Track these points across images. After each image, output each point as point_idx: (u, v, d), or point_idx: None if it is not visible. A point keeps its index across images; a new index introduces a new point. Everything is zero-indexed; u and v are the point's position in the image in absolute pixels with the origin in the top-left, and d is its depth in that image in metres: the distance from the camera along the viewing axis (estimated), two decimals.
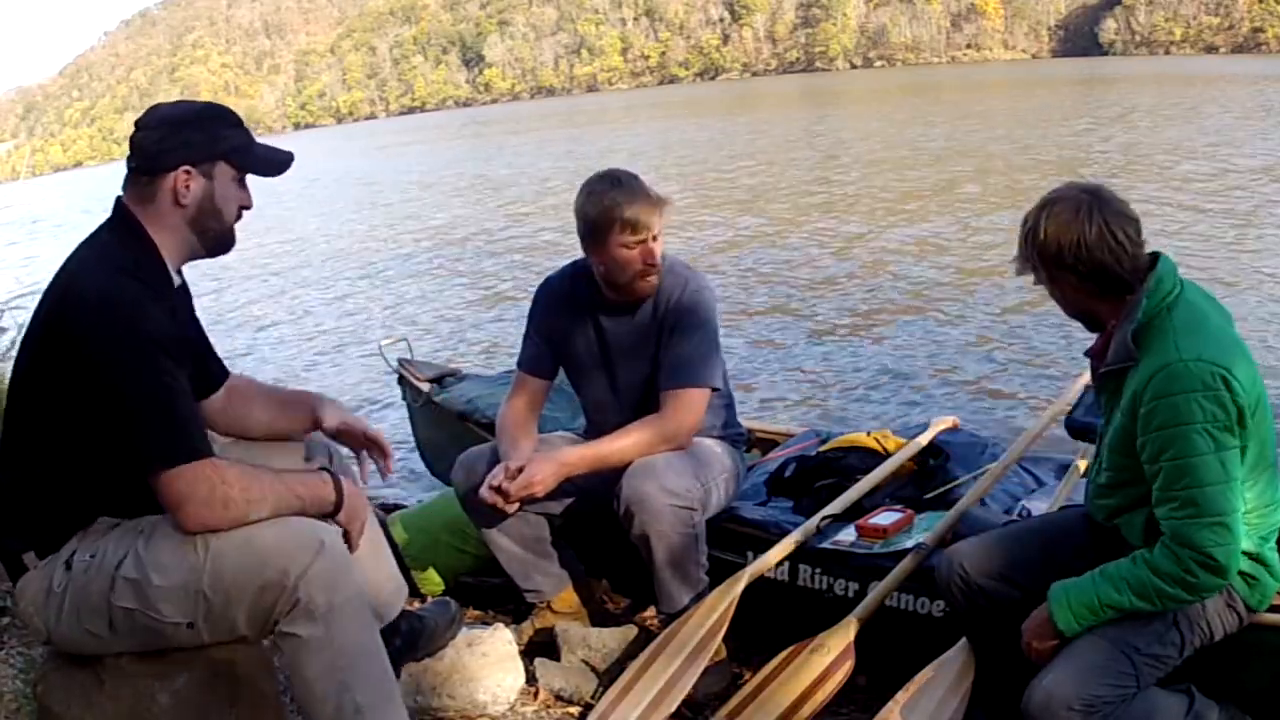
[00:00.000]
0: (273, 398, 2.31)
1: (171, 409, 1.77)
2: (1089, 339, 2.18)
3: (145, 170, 1.91)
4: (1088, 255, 1.92)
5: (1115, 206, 1.94)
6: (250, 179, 2.02)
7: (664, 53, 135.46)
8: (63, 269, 1.88)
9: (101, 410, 1.77)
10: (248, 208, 2.01)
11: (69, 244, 1.96)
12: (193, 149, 1.91)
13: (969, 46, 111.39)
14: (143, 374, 1.75)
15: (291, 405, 2.30)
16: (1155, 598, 1.88)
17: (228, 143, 1.95)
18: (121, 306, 1.77)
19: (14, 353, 4.30)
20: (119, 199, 1.94)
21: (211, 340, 2.26)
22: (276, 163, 2.03)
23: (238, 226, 2.02)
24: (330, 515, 1.97)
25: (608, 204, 2.56)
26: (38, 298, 1.91)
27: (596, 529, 2.80)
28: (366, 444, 2.29)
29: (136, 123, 1.95)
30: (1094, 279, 1.94)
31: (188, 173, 1.90)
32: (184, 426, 1.79)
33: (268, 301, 11.03)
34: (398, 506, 3.74)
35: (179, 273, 2.01)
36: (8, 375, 4.29)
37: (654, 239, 2.58)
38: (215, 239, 1.98)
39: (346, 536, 2.00)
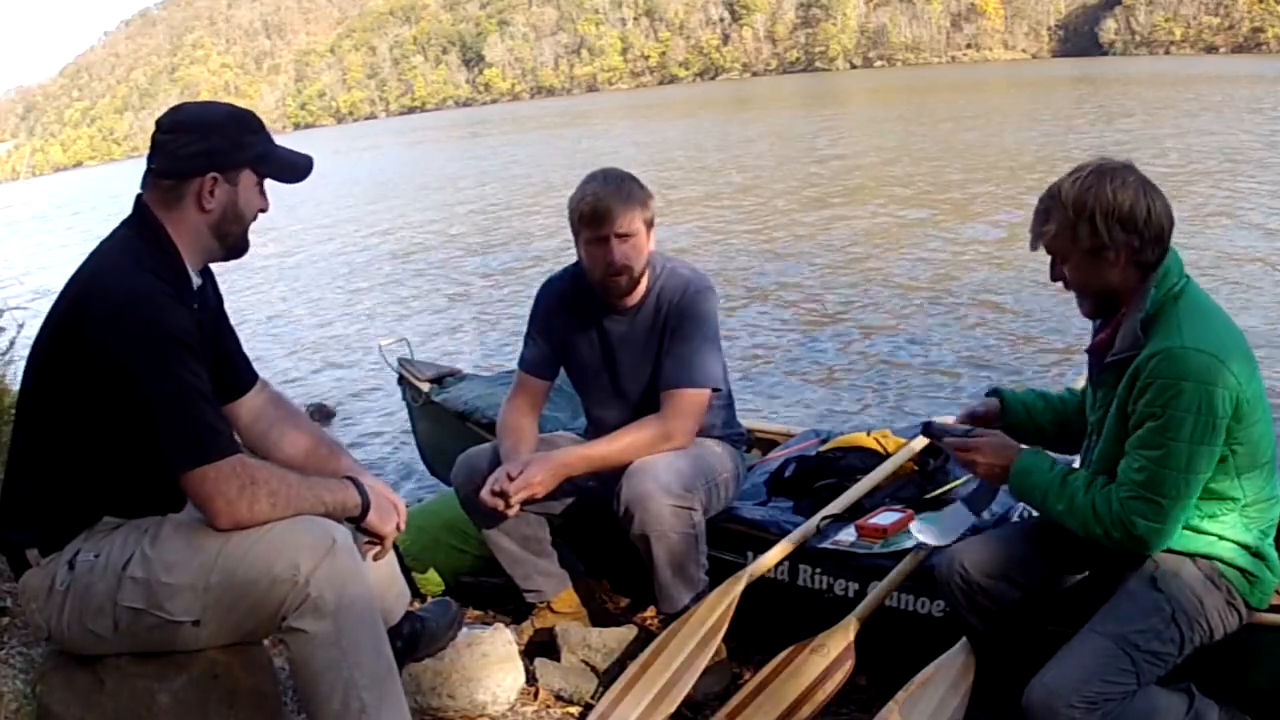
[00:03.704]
0: (306, 432, 2.23)
1: (199, 407, 1.78)
2: (1087, 338, 2.18)
3: (170, 174, 1.91)
4: (1156, 222, 1.94)
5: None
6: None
7: (664, 53, 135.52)
8: (83, 267, 1.88)
9: (123, 408, 1.77)
10: (264, 211, 2.02)
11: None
12: (220, 155, 1.91)
13: (969, 46, 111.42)
14: (169, 372, 1.76)
15: (327, 457, 2.19)
16: (1084, 528, 1.97)
17: (253, 150, 1.95)
18: (145, 304, 1.77)
19: (13, 353, 4.33)
20: (139, 198, 1.93)
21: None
22: (298, 168, 2.03)
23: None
24: (357, 520, 1.98)
25: (578, 198, 2.59)
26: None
27: (596, 529, 2.80)
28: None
29: (159, 124, 1.94)
30: (1154, 243, 1.94)
31: (214, 179, 1.91)
32: (212, 424, 1.80)
33: (266, 301, 11.05)
34: None
35: (201, 274, 2.01)
36: (8, 375, 4.31)
37: (620, 238, 2.54)
38: (233, 244, 1.99)
39: (380, 539, 2.02)
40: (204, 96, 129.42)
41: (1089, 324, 2.18)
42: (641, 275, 2.64)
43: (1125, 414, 1.95)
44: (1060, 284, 2.06)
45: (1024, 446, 2.15)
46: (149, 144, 1.96)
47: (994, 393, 2.40)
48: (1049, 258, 2.06)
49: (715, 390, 2.67)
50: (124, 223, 1.94)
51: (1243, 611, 1.99)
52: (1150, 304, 1.94)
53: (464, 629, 2.50)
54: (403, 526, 2.08)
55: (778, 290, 8.92)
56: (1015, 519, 2.61)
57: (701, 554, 2.57)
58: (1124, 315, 2.01)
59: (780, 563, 2.60)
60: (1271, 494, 1.98)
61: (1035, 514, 2.65)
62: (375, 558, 2.08)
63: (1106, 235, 1.93)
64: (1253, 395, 1.89)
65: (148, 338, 1.76)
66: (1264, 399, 1.94)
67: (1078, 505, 1.98)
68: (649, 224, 2.62)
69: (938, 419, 3.21)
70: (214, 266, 2.07)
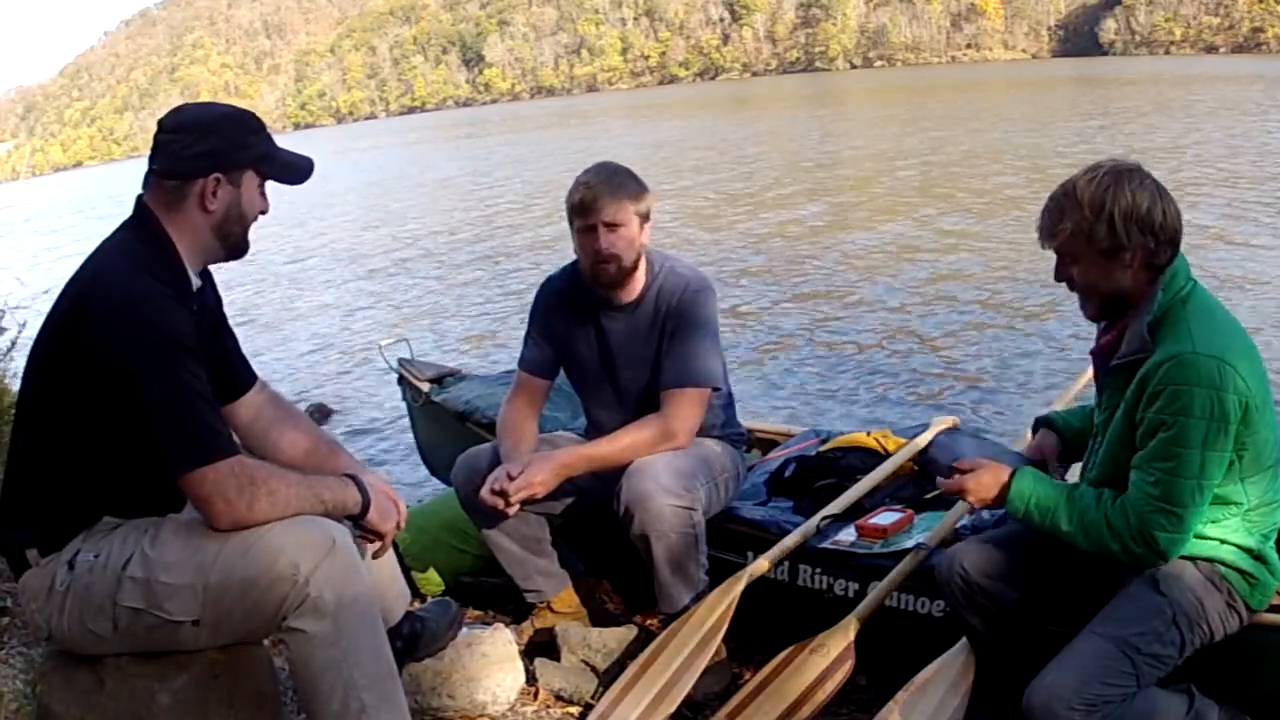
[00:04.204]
0: (306, 431, 2.23)
1: (198, 408, 1.78)
2: (1088, 339, 2.17)
3: (173, 174, 1.90)
4: (1170, 225, 1.93)
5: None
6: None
7: (664, 53, 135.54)
8: (83, 268, 1.88)
9: (123, 410, 1.77)
10: (265, 213, 2.01)
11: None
12: (223, 156, 1.91)
13: (969, 46, 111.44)
14: (168, 373, 1.76)
15: (327, 455, 2.19)
16: (1098, 545, 1.95)
17: (256, 150, 1.95)
18: (144, 306, 1.77)
19: (14, 354, 4.33)
20: (140, 199, 1.93)
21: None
22: (300, 170, 2.04)
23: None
24: (357, 518, 1.98)
25: (572, 188, 2.61)
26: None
27: (596, 529, 2.80)
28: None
29: (161, 124, 1.94)
30: (1168, 244, 1.94)
31: (217, 180, 1.91)
32: (211, 425, 1.80)
33: (266, 301, 11.05)
34: None
35: (201, 275, 2.01)
36: (8, 375, 4.31)
37: (608, 227, 2.56)
38: (234, 244, 1.99)
39: (380, 537, 2.02)
40: (204, 96, 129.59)
41: (1090, 326, 2.18)
42: (634, 268, 2.64)
43: (1133, 419, 1.94)
44: (1065, 284, 2.04)
45: (1020, 466, 2.12)
46: (150, 145, 1.96)
47: (1044, 421, 2.38)
48: (1050, 258, 2.05)
49: (715, 390, 2.67)
50: (124, 224, 1.94)
51: (1243, 613, 1.99)
52: (1158, 307, 1.93)
53: (464, 629, 2.49)
54: (403, 523, 2.08)
55: (778, 288, 8.92)
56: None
57: (701, 554, 2.57)
58: (1130, 318, 2.00)
59: (780, 563, 2.59)
60: (1274, 498, 1.98)
61: None
62: (375, 555, 2.08)
63: (1125, 237, 1.92)
64: (1260, 399, 1.89)
65: (147, 339, 1.76)
66: (1270, 403, 1.94)
67: (1090, 522, 1.96)
68: (642, 217, 2.62)
69: (937, 420, 3.23)
70: (214, 267, 2.07)
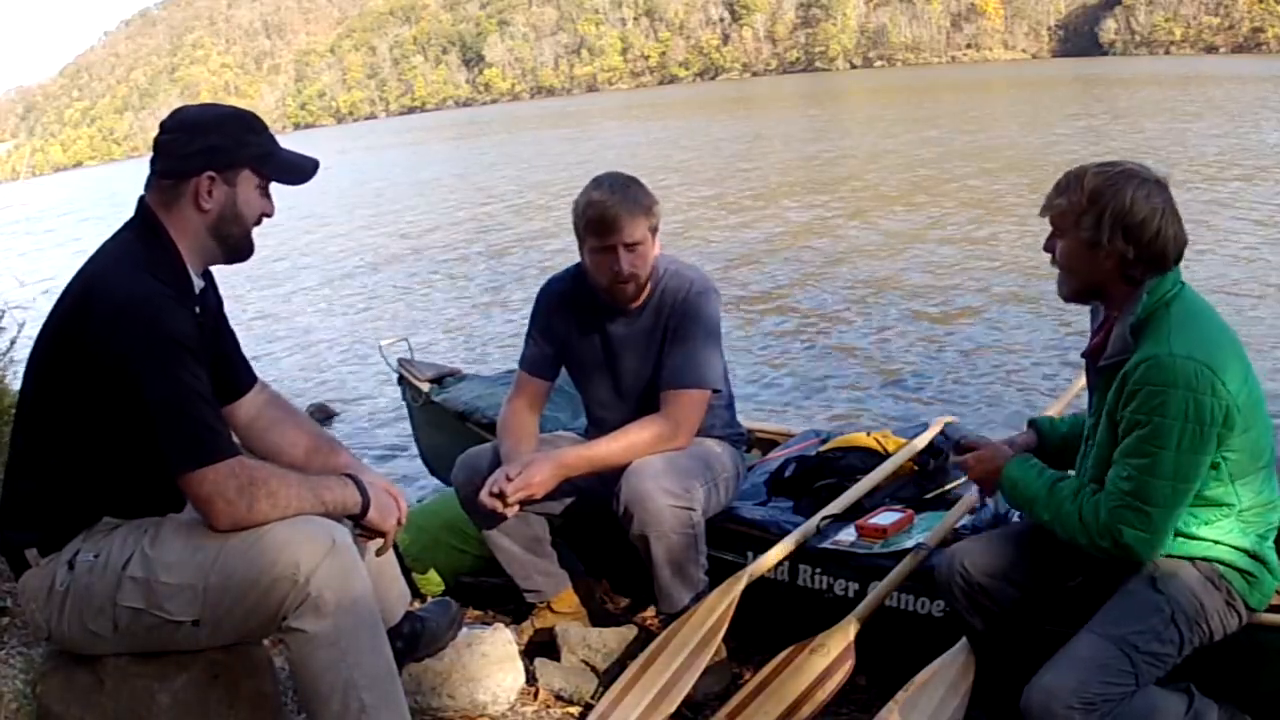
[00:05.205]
0: (306, 431, 2.23)
1: (199, 409, 1.79)
2: (1087, 340, 2.18)
3: (168, 173, 1.91)
4: (1159, 245, 1.94)
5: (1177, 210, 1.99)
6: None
7: (664, 53, 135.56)
8: (85, 268, 1.88)
9: (124, 410, 1.78)
10: (269, 215, 2.01)
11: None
12: (216, 155, 1.90)
13: (969, 46, 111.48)
14: (169, 373, 1.76)
15: (327, 454, 2.19)
16: (1070, 536, 1.99)
17: (251, 149, 1.95)
18: (146, 306, 1.78)
19: (14, 353, 4.33)
20: (142, 199, 1.94)
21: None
22: (302, 170, 2.03)
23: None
24: (358, 517, 1.98)
25: (583, 204, 2.57)
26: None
27: (596, 529, 2.80)
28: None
29: (161, 125, 1.95)
30: (1148, 262, 1.95)
31: (211, 178, 1.90)
32: (211, 426, 1.80)
33: (266, 302, 11.04)
34: None
35: (204, 276, 2.01)
36: (8, 375, 4.31)
37: (627, 247, 2.53)
38: (234, 246, 1.98)
39: (382, 535, 2.02)
40: (204, 96, 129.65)
41: (1088, 328, 2.18)
42: (647, 280, 2.64)
43: (1114, 420, 1.95)
44: (1049, 258, 2.06)
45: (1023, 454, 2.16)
46: (151, 145, 1.96)
47: (1032, 424, 2.40)
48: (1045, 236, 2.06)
49: (715, 391, 2.67)
50: (126, 224, 1.94)
51: (1242, 613, 1.99)
52: (1142, 309, 1.94)
53: (464, 629, 2.50)
54: (403, 520, 2.08)
55: (778, 288, 8.92)
56: (1015, 519, 2.61)
57: (701, 554, 2.57)
58: (1116, 319, 2.01)
59: (780, 563, 2.60)
60: (1270, 498, 1.98)
61: None
62: (378, 552, 2.08)
63: (1105, 234, 1.93)
64: (1246, 402, 1.89)
65: (148, 339, 1.76)
66: (1261, 404, 1.94)
67: (1064, 514, 1.98)
68: (654, 230, 2.61)
69: (937, 420, 3.23)
70: (215, 267, 2.07)
